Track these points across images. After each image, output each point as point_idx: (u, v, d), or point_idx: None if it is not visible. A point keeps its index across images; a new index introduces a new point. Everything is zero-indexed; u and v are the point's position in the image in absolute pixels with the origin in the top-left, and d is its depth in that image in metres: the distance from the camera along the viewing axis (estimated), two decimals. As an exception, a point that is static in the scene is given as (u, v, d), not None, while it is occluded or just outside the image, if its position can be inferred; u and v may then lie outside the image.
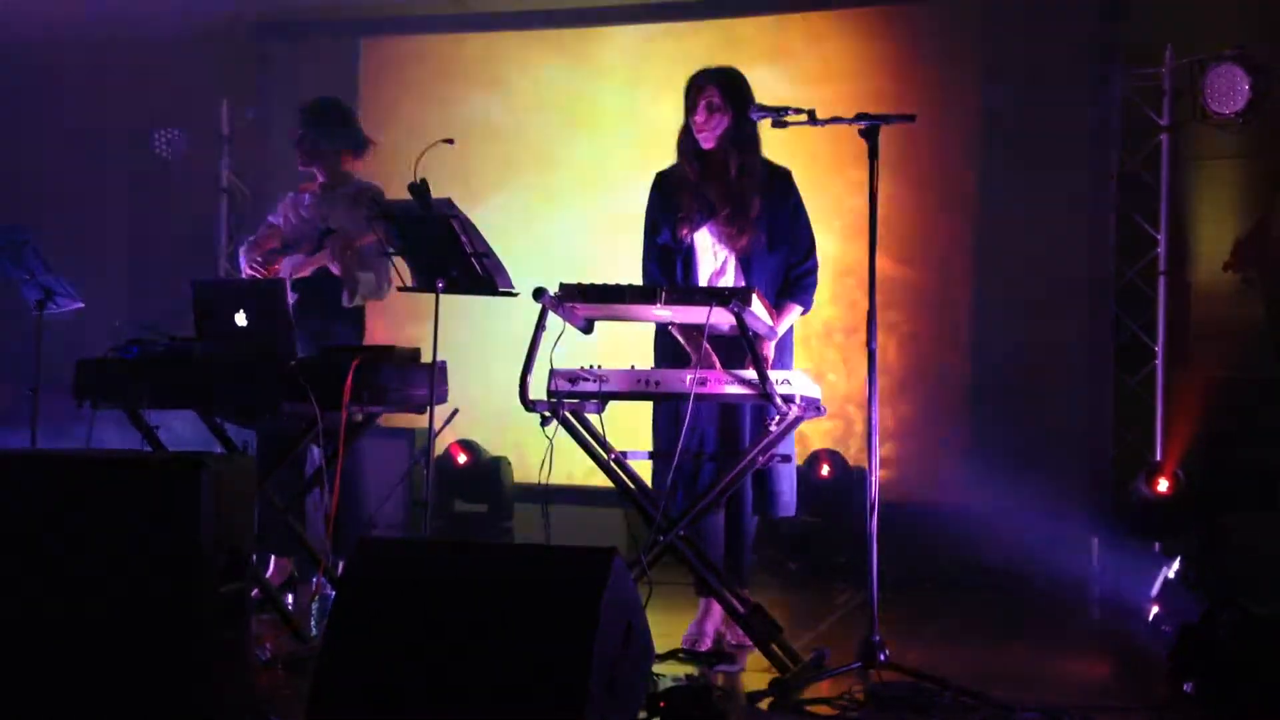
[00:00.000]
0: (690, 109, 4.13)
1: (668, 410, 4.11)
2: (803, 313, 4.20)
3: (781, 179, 4.19)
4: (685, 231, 4.14)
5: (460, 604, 2.82)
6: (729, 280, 4.13)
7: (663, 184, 4.24)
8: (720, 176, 4.11)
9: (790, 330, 4.22)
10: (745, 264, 4.13)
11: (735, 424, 4.10)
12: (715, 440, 4.09)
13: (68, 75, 7.21)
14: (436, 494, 6.25)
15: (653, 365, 4.19)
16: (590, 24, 6.90)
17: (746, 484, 4.08)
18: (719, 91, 4.06)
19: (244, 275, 4.80)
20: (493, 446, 6.49)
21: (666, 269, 4.18)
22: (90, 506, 2.99)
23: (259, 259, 4.83)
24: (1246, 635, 3.35)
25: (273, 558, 4.82)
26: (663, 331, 4.21)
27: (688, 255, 4.17)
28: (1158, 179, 5.78)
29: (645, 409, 4.20)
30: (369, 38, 7.30)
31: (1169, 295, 5.76)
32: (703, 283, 4.14)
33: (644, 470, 4.07)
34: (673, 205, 4.17)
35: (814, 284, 4.19)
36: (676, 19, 6.68)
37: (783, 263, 4.15)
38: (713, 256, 4.17)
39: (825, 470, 5.93)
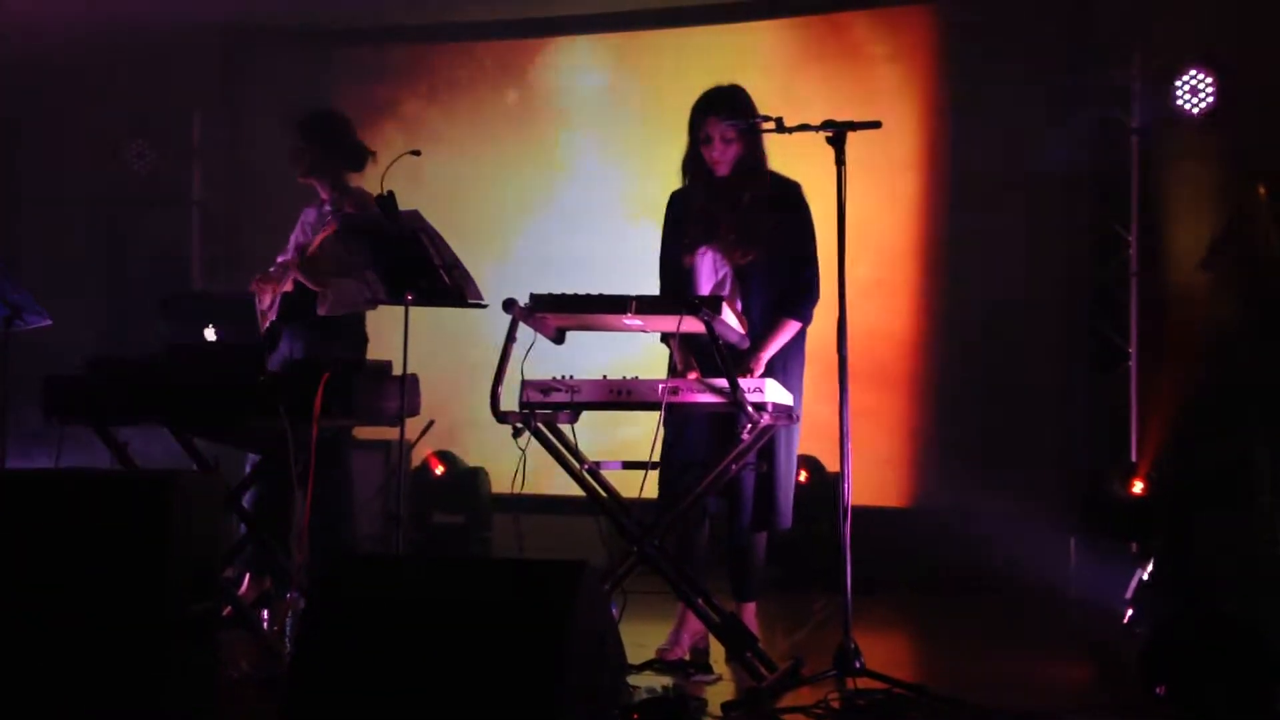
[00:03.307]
0: (699, 138, 4.07)
1: (670, 423, 4.03)
2: (800, 327, 4.11)
3: (790, 192, 4.14)
4: (691, 252, 4.14)
5: (430, 620, 2.80)
6: (727, 295, 4.05)
7: (675, 205, 4.25)
8: (731, 201, 4.08)
9: (800, 345, 4.16)
10: (744, 280, 4.09)
11: (726, 436, 3.98)
12: (703, 451, 4.01)
13: (38, 86, 7.15)
14: (414, 505, 6.23)
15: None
16: (566, 33, 6.91)
17: (746, 499, 4.04)
18: (730, 119, 3.98)
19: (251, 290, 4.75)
20: (470, 457, 6.47)
21: (675, 284, 4.18)
22: (58, 524, 2.96)
23: (260, 275, 4.79)
24: (1215, 635, 3.36)
25: (247, 574, 4.79)
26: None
27: (692, 272, 4.16)
28: (1128, 180, 5.81)
29: (618, 419, 4.18)
30: (341, 48, 7.28)
31: (1141, 296, 5.78)
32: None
33: (618, 480, 4.06)
34: (682, 227, 4.17)
35: (812, 299, 4.11)
36: (648, 28, 6.69)
37: (783, 277, 4.09)
38: (714, 272, 4.14)
39: (801, 476, 5.92)
